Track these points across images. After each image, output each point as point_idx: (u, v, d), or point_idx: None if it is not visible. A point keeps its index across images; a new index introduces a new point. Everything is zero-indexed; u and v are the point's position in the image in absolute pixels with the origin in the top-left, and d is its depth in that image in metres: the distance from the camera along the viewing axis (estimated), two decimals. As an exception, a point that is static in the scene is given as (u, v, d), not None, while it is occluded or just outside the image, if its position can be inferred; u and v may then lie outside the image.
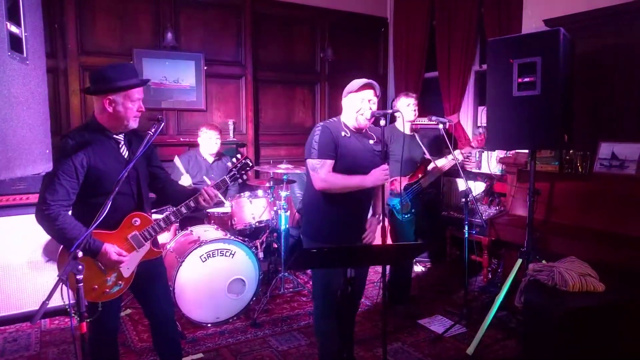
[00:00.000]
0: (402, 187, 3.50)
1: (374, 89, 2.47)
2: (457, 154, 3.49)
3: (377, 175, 2.39)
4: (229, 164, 2.28)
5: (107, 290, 2.09)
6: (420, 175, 3.58)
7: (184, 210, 2.16)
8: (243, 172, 2.29)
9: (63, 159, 1.94)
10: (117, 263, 2.05)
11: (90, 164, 2.00)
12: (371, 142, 2.57)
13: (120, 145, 2.13)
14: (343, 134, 2.48)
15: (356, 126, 2.51)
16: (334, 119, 2.58)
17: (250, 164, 2.30)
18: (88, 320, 2.01)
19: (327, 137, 2.43)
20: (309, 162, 2.46)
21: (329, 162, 2.43)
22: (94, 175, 2.01)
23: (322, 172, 2.41)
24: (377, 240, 2.63)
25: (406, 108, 3.58)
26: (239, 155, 2.31)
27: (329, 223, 2.52)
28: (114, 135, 2.11)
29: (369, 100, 2.44)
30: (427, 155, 3.65)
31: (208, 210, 3.94)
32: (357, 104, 2.45)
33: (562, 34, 2.75)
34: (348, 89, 2.51)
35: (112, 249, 2.02)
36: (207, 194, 2.18)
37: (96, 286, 2.06)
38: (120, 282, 2.11)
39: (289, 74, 5.55)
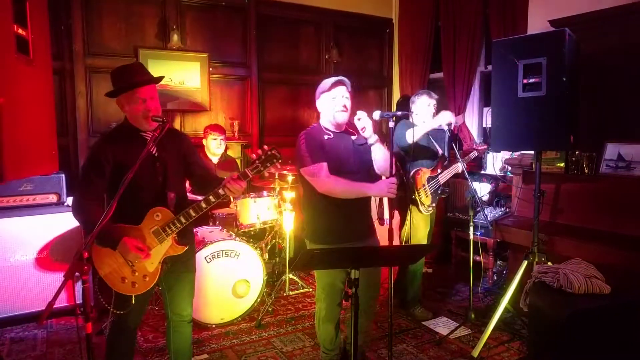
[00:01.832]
0: (426, 179, 3.49)
1: (345, 85, 2.50)
2: (462, 163, 3.48)
3: (382, 187, 2.36)
4: (253, 155, 2.18)
5: (136, 282, 2.11)
6: (439, 171, 3.57)
7: (203, 205, 2.14)
8: (268, 164, 2.10)
9: (91, 154, 2.08)
10: (136, 257, 2.05)
11: (115, 159, 2.07)
12: (353, 137, 2.57)
13: (150, 145, 2.15)
14: (326, 137, 2.51)
15: (335, 124, 2.53)
16: (314, 125, 2.61)
17: (278, 156, 2.07)
18: (121, 312, 2.10)
19: (313, 142, 2.46)
20: (305, 170, 2.45)
21: (325, 165, 2.42)
22: (120, 170, 2.04)
23: (322, 175, 2.41)
24: (384, 242, 2.62)
25: (427, 108, 3.57)
26: (265, 147, 2.09)
27: (329, 225, 2.52)
28: (142, 134, 2.15)
29: (342, 96, 2.48)
30: (441, 152, 3.64)
31: (213, 211, 3.95)
32: (330, 103, 2.48)
33: (567, 34, 2.73)
34: (320, 89, 2.54)
35: (131, 243, 2.03)
36: (229, 187, 2.10)
37: (125, 278, 2.09)
38: (146, 275, 2.13)
39: (293, 75, 5.55)
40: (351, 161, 2.50)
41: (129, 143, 2.12)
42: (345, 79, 2.50)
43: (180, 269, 2.29)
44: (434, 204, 3.54)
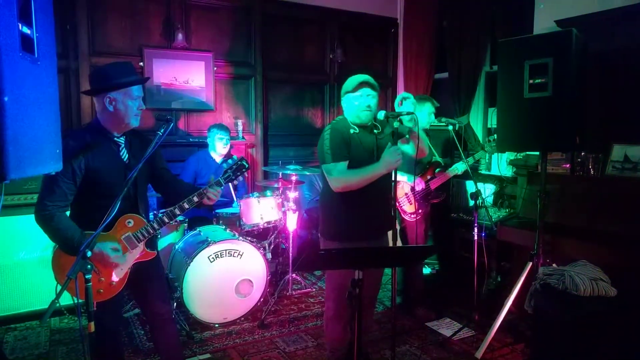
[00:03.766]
0: (410, 187, 3.49)
1: (370, 86, 2.48)
2: (466, 162, 3.46)
3: (388, 159, 2.34)
4: (224, 165, 2.30)
5: (101, 289, 2.08)
6: (428, 177, 3.57)
7: (177, 212, 2.18)
8: (239, 173, 2.29)
9: (63, 159, 1.95)
10: (113, 259, 2.04)
11: (88, 166, 2.02)
12: (376, 131, 2.56)
13: (121, 148, 2.15)
14: (352, 131, 2.49)
15: (359, 124, 2.52)
16: (341, 117, 2.59)
17: (246, 166, 2.30)
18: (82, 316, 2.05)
19: (337, 138, 2.44)
20: (324, 167, 2.47)
21: (343, 164, 2.43)
22: (92, 178, 2.03)
23: (337, 172, 2.42)
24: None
25: (427, 116, 3.56)
26: (235, 157, 2.31)
27: (345, 222, 2.52)
28: (115, 138, 2.12)
29: (367, 95, 2.46)
30: (437, 158, 3.63)
31: (217, 211, 3.95)
32: (355, 103, 2.47)
33: (574, 34, 2.71)
34: (345, 88, 2.52)
35: (107, 246, 2.02)
36: (206, 194, 2.20)
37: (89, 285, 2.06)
38: (113, 281, 2.11)
39: (298, 75, 5.55)
40: (375, 157, 2.49)
41: (101, 148, 2.08)
42: (370, 79, 2.49)
43: (148, 272, 2.26)
44: (420, 210, 3.54)
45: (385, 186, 2.52)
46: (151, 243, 2.24)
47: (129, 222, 2.13)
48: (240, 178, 2.32)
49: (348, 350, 2.77)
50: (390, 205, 2.59)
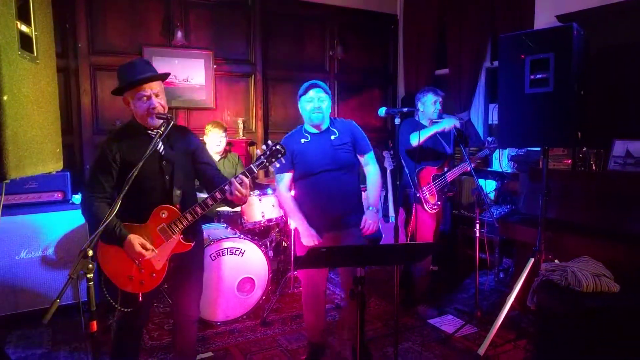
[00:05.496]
0: (431, 177, 3.49)
1: (320, 87, 2.63)
2: (469, 162, 3.47)
3: (307, 243, 2.63)
4: (258, 150, 2.18)
5: (143, 280, 2.12)
6: (445, 169, 3.56)
7: (210, 202, 2.13)
8: (273, 159, 2.12)
9: (99, 154, 2.10)
10: (140, 255, 2.04)
11: (124, 158, 2.09)
12: (332, 137, 2.68)
13: (156, 141, 2.14)
14: (302, 140, 2.66)
15: (313, 125, 2.65)
16: (296, 128, 2.77)
17: (283, 150, 2.12)
18: (129, 310, 2.14)
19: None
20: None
21: (286, 176, 2.69)
22: (127, 169, 2.04)
23: (281, 186, 2.71)
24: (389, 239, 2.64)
25: (432, 105, 3.56)
26: (269, 142, 2.12)
27: (306, 217, 2.69)
28: (149, 132, 2.15)
29: (317, 98, 2.61)
30: (449, 150, 3.64)
31: (217, 209, 3.94)
32: (307, 105, 2.62)
33: (575, 29, 2.70)
34: (298, 94, 2.69)
35: (136, 241, 2.03)
36: (233, 185, 2.08)
37: (132, 276, 2.10)
38: (153, 273, 2.13)
39: (298, 72, 5.52)
40: (327, 160, 2.63)
41: (136, 141, 2.12)
42: (320, 82, 2.66)
43: (187, 267, 2.28)
44: (439, 202, 3.52)
45: (344, 183, 2.66)
46: (190, 234, 2.21)
47: (163, 213, 2.13)
48: (277, 164, 2.15)
49: (321, 338, 2.91)
50: (353, 200, 2.76)
